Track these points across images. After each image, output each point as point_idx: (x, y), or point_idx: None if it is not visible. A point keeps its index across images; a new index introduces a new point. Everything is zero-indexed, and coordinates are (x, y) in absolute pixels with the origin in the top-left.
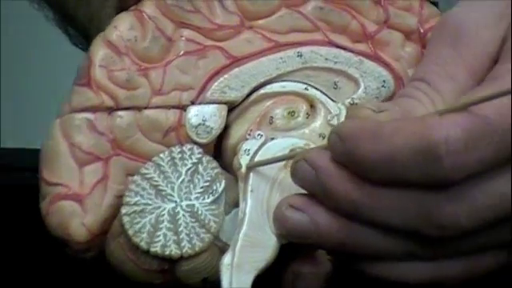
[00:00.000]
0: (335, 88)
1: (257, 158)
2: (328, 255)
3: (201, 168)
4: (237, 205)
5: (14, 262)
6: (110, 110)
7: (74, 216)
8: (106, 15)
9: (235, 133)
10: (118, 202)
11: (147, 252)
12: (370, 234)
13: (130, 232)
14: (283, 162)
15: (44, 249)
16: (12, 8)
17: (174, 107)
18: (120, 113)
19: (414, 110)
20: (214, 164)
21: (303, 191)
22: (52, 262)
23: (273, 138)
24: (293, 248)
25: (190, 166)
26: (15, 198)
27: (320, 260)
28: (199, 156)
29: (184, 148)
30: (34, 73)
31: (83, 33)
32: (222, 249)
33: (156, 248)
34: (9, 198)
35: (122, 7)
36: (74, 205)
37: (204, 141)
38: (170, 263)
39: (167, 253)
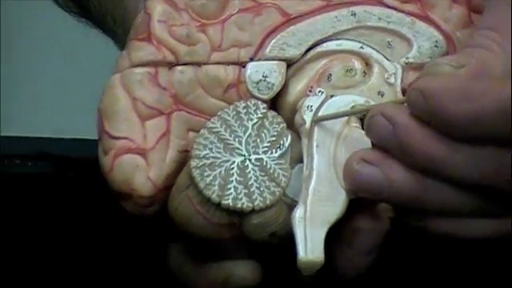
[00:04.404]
0: (389, 47)
1: (320, 114)
2: (389, 212)
3: (267, 123)
4: (299, 161)
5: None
6: (171, 65)
7: (139, 170)
8: None
9: (292, 90)
10: (181, 156)
11: (218, 205)
12: (443, 189)
13: (201, 185)
14: (346, 118)
15: (34, 235)
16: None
17: (232, 63)
18: (180, 68)
19: (489, 61)
20: (280, 119)
21: (369, 146)
22: (45, 248)
23: (332, 96)
24: (351, 204)
25: (255, 120)
26: (4, 186)
27: (380, 216)
28: (264, 111)
29: (249, 103)
30: (29, 62)
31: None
32: (289, 204)
33: (228, 201)
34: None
35: None
36: (138, 159)
37: (265, 97)
38: (239, 216)
39: (239, 205)
